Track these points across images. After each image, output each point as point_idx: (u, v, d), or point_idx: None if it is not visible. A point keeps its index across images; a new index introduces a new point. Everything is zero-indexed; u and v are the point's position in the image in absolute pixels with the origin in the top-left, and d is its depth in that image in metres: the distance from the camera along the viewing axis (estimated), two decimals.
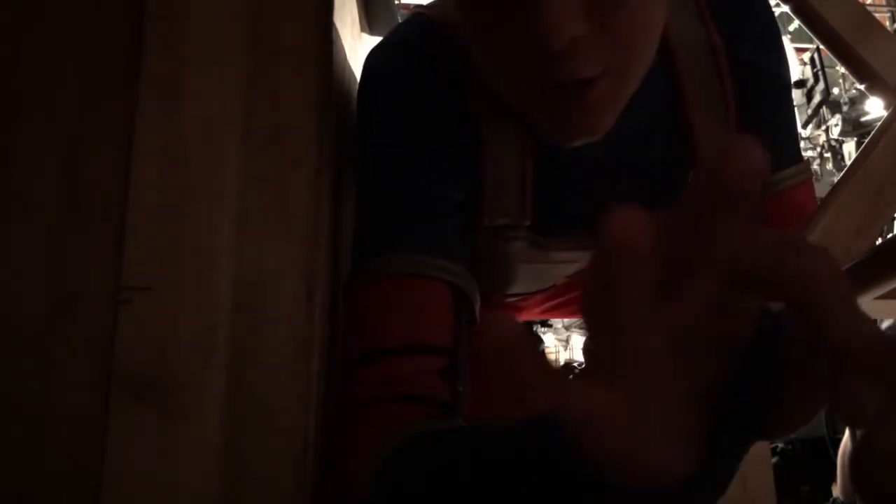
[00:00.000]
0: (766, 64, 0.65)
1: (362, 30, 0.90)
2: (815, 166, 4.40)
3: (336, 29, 0.59)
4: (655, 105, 0.62)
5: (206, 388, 0.45)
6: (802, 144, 2.79)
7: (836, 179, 0.56)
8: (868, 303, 0.44)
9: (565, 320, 3.23)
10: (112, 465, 0.43)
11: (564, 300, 1.05)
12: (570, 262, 0.74)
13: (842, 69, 3.75)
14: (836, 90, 4.37)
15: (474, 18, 0.51)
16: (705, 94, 0.62)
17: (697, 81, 0.62)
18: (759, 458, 0.66)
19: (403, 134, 0.59)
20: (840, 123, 4.28)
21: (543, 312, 1.13)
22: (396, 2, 1.01)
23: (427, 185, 0.58)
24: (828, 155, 4.43)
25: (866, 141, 0.55)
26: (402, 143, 0.58)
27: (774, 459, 2.49)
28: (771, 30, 0.66)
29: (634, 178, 0.64)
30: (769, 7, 0.66)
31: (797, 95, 4.50)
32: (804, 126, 4.54)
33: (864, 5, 0.64)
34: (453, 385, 0.53)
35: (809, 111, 4.53)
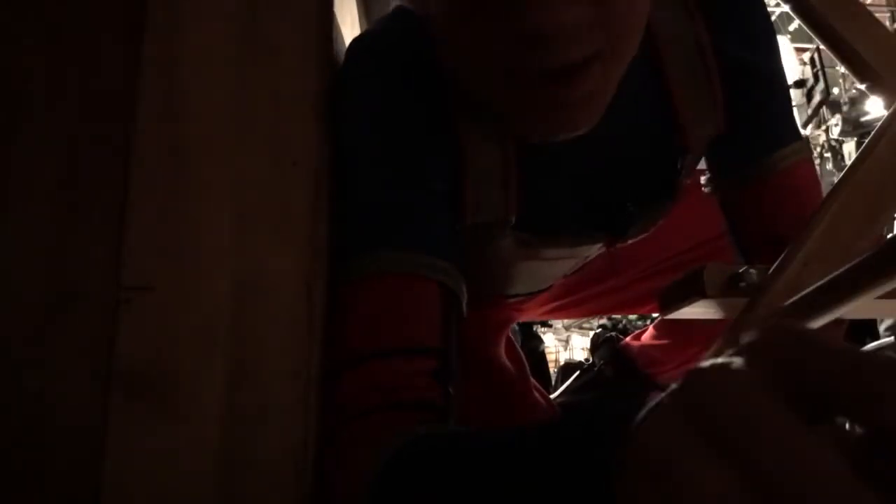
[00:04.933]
0: (756, 56, 0.65)
1: (362, 29, 0.90)
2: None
3: (336, 29, 0.59)
4: (642, 98, 0.62)
5: (206, 388, 0.45)
6: None
7: (836, 179, 0.55)
8: (868, 303, 0.44)
9: (565, 321, 3.23)
10: (112, 464, 0.43)
11: (565, 302, 1.05)
12: (562, 259, 0.73)
13: (842, 69, 3.74)
14: (836, 90, 4.36)
15: (448, 10, 0.47)
16: (692, 87, 0.62)
17: (684, 75, 0.62)
18: None
19: (384, 129, 0.57)
20: (840, 123, 4.27)
21: (544, 314, 1.13)
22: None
23: (410, 179, 0.56)
24: (828, 155, 4.43)
25: (866, 141, 0.55)
26: (382, 137, 0.57)
27: None
28: (760, 20, 0.66)
29: (622, 171, 0.64)
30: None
31: (797, 95, 4.49)
32: (804, 126, 4.53)
33: (864, 5, 0.63)
34: (445, 387, 0.52)
35: (809, 111, 4.52)
